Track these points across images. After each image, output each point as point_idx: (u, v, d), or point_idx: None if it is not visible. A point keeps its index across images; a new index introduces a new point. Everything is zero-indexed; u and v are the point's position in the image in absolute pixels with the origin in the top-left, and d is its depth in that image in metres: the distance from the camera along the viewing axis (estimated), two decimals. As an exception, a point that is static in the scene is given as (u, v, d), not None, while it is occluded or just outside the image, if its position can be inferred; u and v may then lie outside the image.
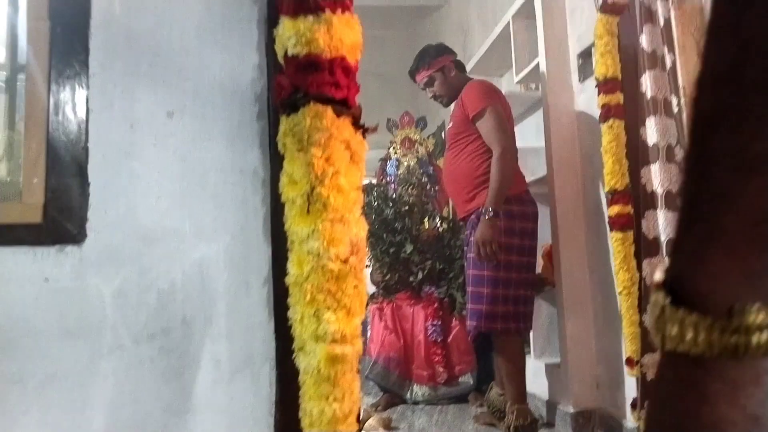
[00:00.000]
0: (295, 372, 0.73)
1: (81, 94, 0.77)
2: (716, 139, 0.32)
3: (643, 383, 2.42)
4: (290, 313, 0.72)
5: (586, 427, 2.81)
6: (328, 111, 0.70)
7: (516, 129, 4.32)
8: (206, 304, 0.79)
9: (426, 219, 4.09)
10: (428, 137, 4.71)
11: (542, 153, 3.21)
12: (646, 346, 2.43)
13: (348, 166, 0.72)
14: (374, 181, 4.39)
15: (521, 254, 2.62)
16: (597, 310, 2.89)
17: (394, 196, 4.10)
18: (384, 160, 4.50)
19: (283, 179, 0.72)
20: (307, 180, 0.70)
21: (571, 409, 2.86)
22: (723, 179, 0.32)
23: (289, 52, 0.72)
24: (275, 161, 0.77)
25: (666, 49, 2.56)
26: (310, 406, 0.69)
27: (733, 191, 0.32)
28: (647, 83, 2.58)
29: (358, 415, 0.71)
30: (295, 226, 0.71)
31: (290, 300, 0.72)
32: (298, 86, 0.72)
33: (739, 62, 0.30)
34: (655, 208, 2.57)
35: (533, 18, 3.24)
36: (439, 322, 3.64)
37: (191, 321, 0.78)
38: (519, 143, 4.07)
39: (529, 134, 4.04)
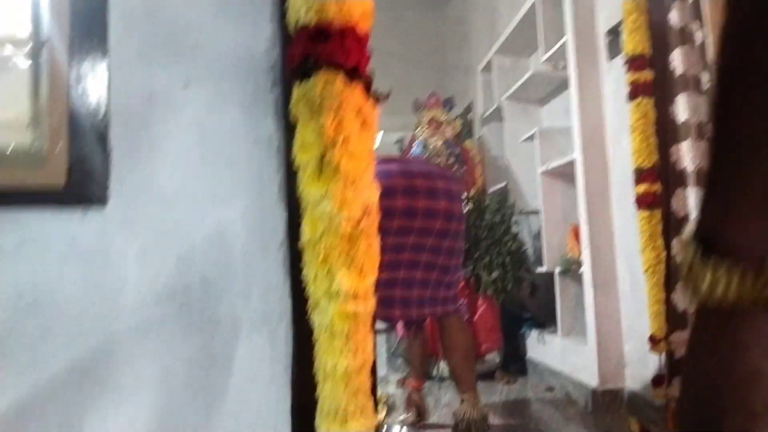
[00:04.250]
0: (311, 330, 0.75)
1: (101, 66, 0.80)
2: (741, 91, 0.31)
3: (670, 360, 2.40)
4: (304, 273, 0.74)
5: (612, 405, 2.80)
6: (339, 77, 0.72)
7: (543, 109, 4.29)
8: (224, 266, 0.82)
9: (452, 200, 4.09)
10: (455, 118, 4.68)
11: (570, 133, 3.17)
12: (675, 323, 2.41)
13: (359, 132, 0.74)
14: (402, 163, 4.40)
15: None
16: (624, 289, 2.87)
17: (419, 177, 4.10)
18: (402, 141, 4.49)
19: (296, 145, 0.75)
20: (319, 145, 0.72)
21: (598, 387, 2.85)
22: (750, 130, 0.31)
23: (301, 22, 0.74)
24: (289, 130, 0.80)
25: (696, 26, 2.50)
26: (324, 361, 0.72)
27: (760, 141, 0.31)
28: (677, 60, 2.53)
29: (373, 368, 0.74)
30: (308, 189, 0.73)
31: (304, 260, 0.74)
32: (310, 54, 0.73)
33: (759, 15, 0.29)
34: (685, 186, 2.53)
35: (560, -5, 3.19)
36: (465, 301, 3.65)
37: (210, 281, 0.81)
38: (546, 123, 4.04)
39: (556, 115, 4.00)
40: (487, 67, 4.59)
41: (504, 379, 3.66)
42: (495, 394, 3.41)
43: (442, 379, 3.68)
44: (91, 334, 0.78)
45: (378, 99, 0.77)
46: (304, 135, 0.73)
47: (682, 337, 2.40)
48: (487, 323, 3.74)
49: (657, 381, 2.50)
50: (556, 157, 3.44)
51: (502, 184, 4.32)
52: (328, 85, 0.71)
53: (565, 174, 3.48)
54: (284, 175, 0.82)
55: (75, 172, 0.78)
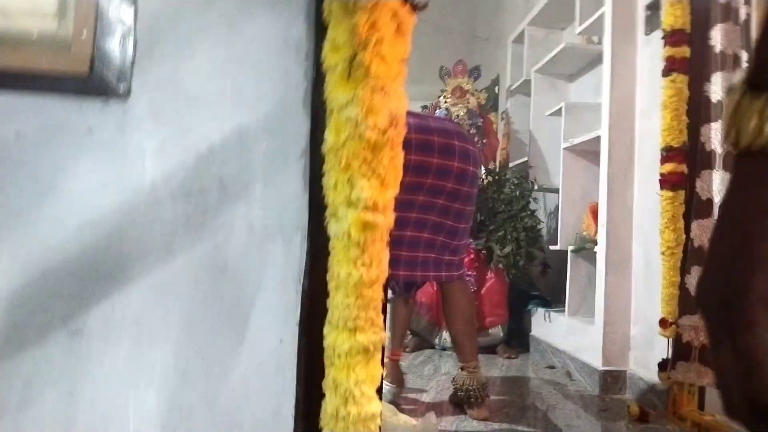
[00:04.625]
0: (326, 243, 0.73)
1: (132, -47, 0.77)
2: None
3: (676, 344, 2.37)
4: (324, 180, 0.72)
5: (614, 385, 2.79)
6: (376, -24, 0.69)
7: (572, 85, 4.20)
8: (243, 170, 0.80)
9: (470, 171, 4.05)
10: (480, 91, 4.60)
11: (597, 109, 3.11)
12: (684, 308, 2.38)
13: (393, 36, 0.70)
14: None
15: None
16: (638, 271, 2.84)
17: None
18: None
19: (326, 46, 0.72)
20: (350, 45, 0.69)
21: (601, 367, 2.83)
22: None
23: None
24: (319, 35, 0.77)
25: (741, 1, 2.41)
26: (337, 270, 0.70)
27: None
28: (717, 37, 2.45)
29: (386, 285, 0.72)
30: (335, 93, 0.70)
31: (325, 167, 0.72)
32: (347, -49, 0.70)
33: None
34: (711, 168, 2.47)
35: (600, -36, 3.10)
36: (474, 273, 3.64)
37: (228, 184, 0.79)
38: (575, 99, 3.96)
39: (585, 92, 3.93)
40: (519, 39, 4.50)
41: (506, 354, 3.65)
42: (496, 368, 3.41)
43: (444, 348, 3.69)
44: (103, 227, 0.76)
45: (415, 6, 0.74)
46: (335, 35, 0.70)
47: (691, 321, 2.37)
48: (494, 297, 3.72)
49: (663, 365, 2.47)
50: (582, 133, 3.38)
51: (524, 159, 4.26)
52: (365, -17, 0.68)
53: (588, 152, 3.43)
54: (311, 82, 0.79)
55: (98, 63, 0.75)
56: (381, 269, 0.70)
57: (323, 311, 0.73)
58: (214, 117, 0.79)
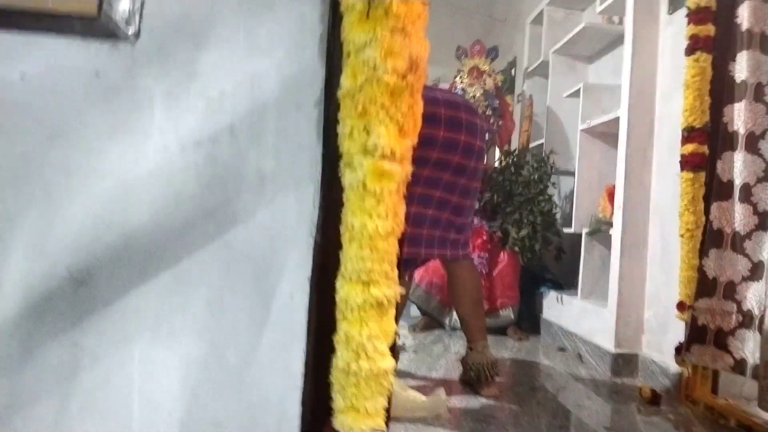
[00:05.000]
0: (339, 196, 0.70)
1: None
2: None
3: (692, 327, 2.33)
4: (339, 128, 0.69)
5: (626, 369, 2.75)
6: None
7: (591, 67, 4.12)
8: (255, 119, 0.76)
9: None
10: (498, 72, 4.52)
11: (616, 91, 3.04)
12: (700, 291, 2.34)
13: (415, -25, 0.67)
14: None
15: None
16: (654, 254, 2.79)
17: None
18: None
19: (345, -15, 0.68)
20: (370, -17, 0.65)
21: (613, 350, 2.80)
22: None
23: None
24: (338, -23, 0.73)
25: (771, -24, 2.34)
26: (351, 221, 0.67)
27: None
28: (744, 14, 2.38)
29: (401, 239, 0.69)
30: (353, 33, 0.67)
31: (340, 114, 0.68)
32: None
33: None
34: (733, 149, 2.41)
35: (624, -61, 3.01)
36: (486, 255, 3.60)
37: (239, 133, 0.76)
38: (593, 81, 3.89)
39: (604, 74, 3.85)
40: (538, 19, 4.41)
41: (516, 335, 3.63)
42: (506, 349, 3.38)
43: (454, 329, 3.67)
44: (111, 174, 0.74)
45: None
46: (354, -27, 0.67)
47: (707, 304, 2.32)
48: (506, 279, 3.69)
49: (680, 349, 2.44)
50: (600, 115, 3.31)
51: (540, 141, 4.21)
52: None
53: (605, 134, 3.37)
54: (327, 27, 0.76)
55: (106, 4, 0.73)
56: (397, 222, 0.67)
57: (335, 266, 0.70)
58: (226, 62, 0.76)
